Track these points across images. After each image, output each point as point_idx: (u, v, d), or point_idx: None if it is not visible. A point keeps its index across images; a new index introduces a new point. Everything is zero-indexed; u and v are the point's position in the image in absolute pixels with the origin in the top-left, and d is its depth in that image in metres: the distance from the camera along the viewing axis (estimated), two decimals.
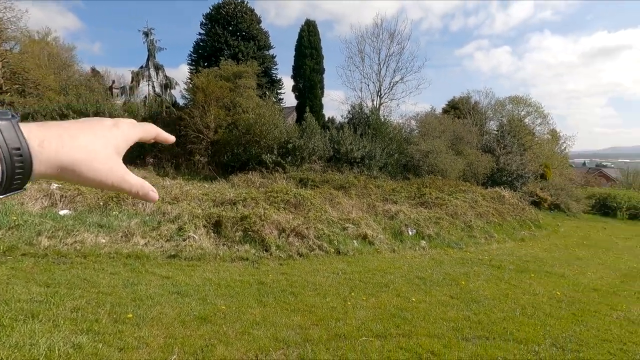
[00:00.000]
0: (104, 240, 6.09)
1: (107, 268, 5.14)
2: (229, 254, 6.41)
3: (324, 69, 22.79)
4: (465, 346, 3.68)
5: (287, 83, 33.13)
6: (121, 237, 6.31)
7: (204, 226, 7.01)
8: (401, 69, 23.46)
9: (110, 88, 23.67)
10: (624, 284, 6.71)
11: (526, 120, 24.35)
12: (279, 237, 7.12)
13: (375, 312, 4.44)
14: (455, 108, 24.77)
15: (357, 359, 3.28)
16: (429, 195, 11.81)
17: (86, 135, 0.43)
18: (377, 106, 22.80)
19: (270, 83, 25.40)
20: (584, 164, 58.00)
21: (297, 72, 22.46)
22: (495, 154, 19.16)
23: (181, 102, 22.00)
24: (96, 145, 0.44)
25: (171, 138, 0.56)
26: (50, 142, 0.40)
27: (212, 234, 6.95)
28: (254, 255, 6.48)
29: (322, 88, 22.71)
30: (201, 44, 25.23)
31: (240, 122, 15.65)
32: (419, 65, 26.74)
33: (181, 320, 3.77)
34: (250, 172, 14.01)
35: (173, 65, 79.91)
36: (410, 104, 61.73)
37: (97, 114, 16.11)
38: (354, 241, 7.73)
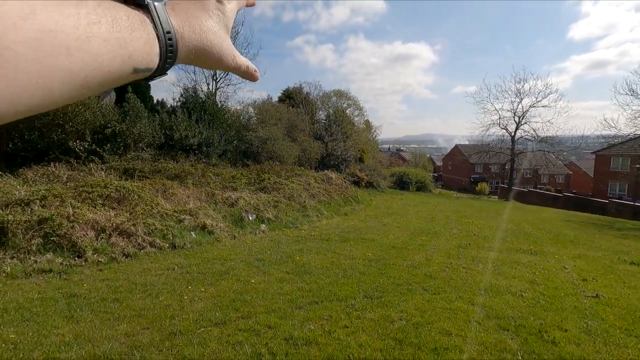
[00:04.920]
0: None
1: None
2: (21, 269, 5.03)
3: None
4: (298, 314, 4.08)
5: None
6: None
7: None
8: None
9: None
10: (412, 240, 8.80)
11: (347, 111, 28.24)
12: (97, 239, 6.05)
13: (215, 301, 4.38)
14: (289, 97, 26.34)
15: (195, 352, 3.17)
16: (267, 181, 12.29)
17: (206, 17, 0.44)
18: (214, 91, 21.90)
19: None
20: (389, 149, 72.27)
21: None
22: (324, 141, 21.56)
23: None
24: (215, 27, 0.45)
25: None
26: (186, 28, 0.41)
27: None
28: (62, 264, 5.30)
29: None
30: None
31: None
32: (254, 52, 26.94)
33: None
34: (52, 163, 11.18)
35: None
36: (247, 91, 62.17)
37: None
38: (192, 233, 7.34)
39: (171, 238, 6.82)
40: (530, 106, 32.85)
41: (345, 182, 16.61)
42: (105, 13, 0.34)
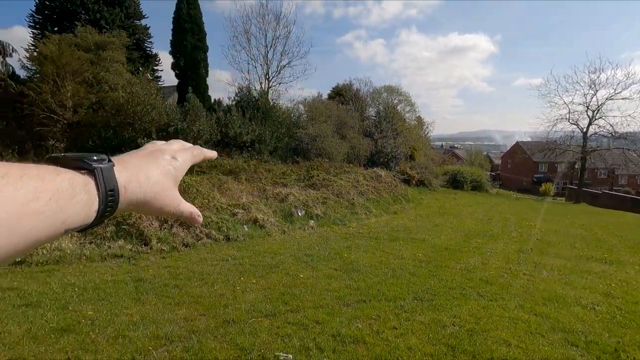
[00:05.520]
0: None
1: None
2: (98, 253, 5.62)
3: (207, 47, 21.26)
4: (345, 311, 4.07)
5: (166, 60, 29.93)
6: None
7: None
8: (288, 53, 23.62)
9: None
10: (465, 242, 8.35)
11: (398, 107, 27.53)
12: (161, 229, 6.55)
13: (265, 293, 4.52)
14: (339, 94, 26.32)
15: (246, 341, 3.30)
16: (316, 177, 12.42)
17: (155, 171, 0.48)
18: (266, 89, 22.60)
19: (144, 58, 22.57)
20: (442, 146, 69.30)
21: (177, 48, 20.41)
22: (374, 138, 21.24)
23: (22, 74, 17.72)
24: (162, 180, 0.49)
25: (213, 154, 0.63)
26: (132, 183, 0.44)
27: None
28: (131, 250, 5.83)
29: (206, 67, 21.22)
30: (47, 3, 20.61)
31: (108, 101, 13.52)
32: (305, 50, 27.33)
33: (32, 336, 3.17)
34: None
35: (0, 26, 62.81)
36: (298, 89, 63.25)
37: None
38: (244, 226, 7.65)
39: (225, 230, 7.17)
40: (607, 99, 29.31)
41: (394, 180, 16.24)
42: (46, 186, 0.36)
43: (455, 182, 25.37)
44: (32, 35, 20.23)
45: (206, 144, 14.28)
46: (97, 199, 0.40)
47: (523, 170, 50.30)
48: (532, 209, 17.92)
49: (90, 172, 0.41)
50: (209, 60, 21.41)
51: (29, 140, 13.67)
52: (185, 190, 8.24)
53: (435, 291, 4.85)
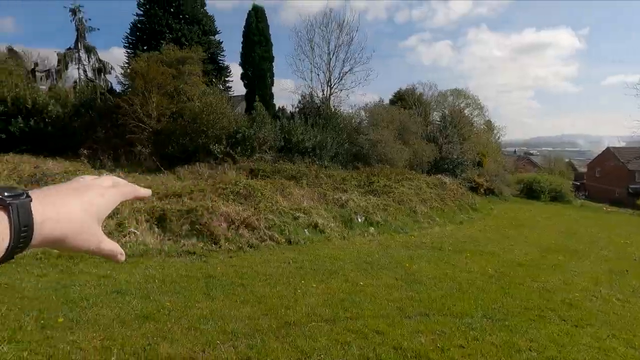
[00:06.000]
0: None
1: (33, 270, 4.68)
2: (174, 249, 6.15)
3: (273, 57, 22.33)
4: (407, 323, 3.92)
5: (235, 70, 32.00)
6: None
7: (147, 221, 6.63)
8: (350, 60, 23.70)
9: (33, 71, 21.12)
10: (543, 258, 7.54)
11: (465, 111, 26.04)
12: (229, 230, 6.97)
13: (325, 298, 4.55)
14: (401, 99, 25.71)
15: (306, 344, 3.35)
16: (377, 184, 12.24)
17: (77, 208, 0.47)
18: (328, 96, 22.94)
19: (217, 70, 24.34)
20: (515, 152, 63.72)
21: (246, 60, 21.77)
22: (438, 143, 20.33)
23: (118, 88, 20.31)
24: (85, 217, 0.47)
25: (148, 192, 0.60)
26: (50, 220, 0.43)
27: (156, 228, 6.61)
28: (202, 248, 6.28)
29: (272, 77, 22.28)
30: (139, 25, 23.35)
31: (186, 110, 14.88)
32: (367, 56, 27.15)
33: (121, 320, 3.57)
34: (197, 163, 13.45)
35: (103, 48, 72.90)
36: (360, 95, 63.14)
37: (16, 99, 14.36)
38: (305, 230, 7.80)
39: (287, 234, 7.39)
40: None
41: (460, 187, 15.34)
42: None
43: (530, 192, 23.15)
44: (126, 54, 23.09)
45: (270, 150, 14.94)
46: (9, 236, 0.40)
47: (615, 179, 44.02)
48: (627, 224, 15.59)
49: (4, 207, 0.40)
50: (274, 70, 22.42)
51: (121, 147, 15.55)
52: (250, 193, 8.68)
53: (508, 310, 4.44)
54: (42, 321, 3.38)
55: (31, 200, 0.42)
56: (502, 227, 11.34)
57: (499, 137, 28.05)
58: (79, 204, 0.47)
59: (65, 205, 0.46)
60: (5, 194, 0.41)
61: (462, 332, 3.76)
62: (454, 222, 11.29)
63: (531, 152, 66.56)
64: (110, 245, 0.52)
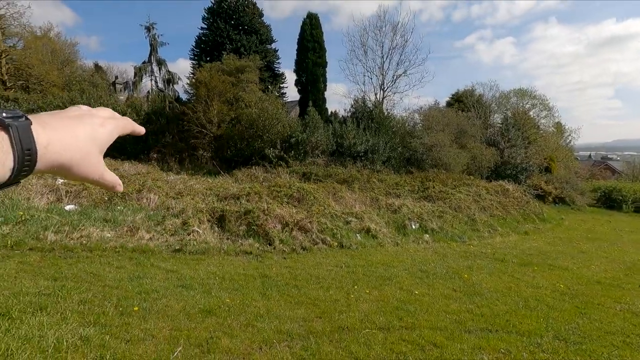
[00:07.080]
0: (109, 235, 6.16)
1: (113, 262, 5.20)
2: (232, 248, 6.46)
3: (326, 63, 22.66)
4: (467, 338, 3.70)
5: (290, 77, 32.99)
6: (126, 231, 6.37)
7: (208, 220, 7.05)
8: (404, 62, 23.23)
9: (114, 83, 23.72)
10: (628, 277, 6.69)
11: (531, 113, 24.12)
12: (283, 231, 7.15)
13: (379, 304, 4.47)
14: (459, 101, 24.58)
15: (360, 351, 3.31)
16: (432, 189, 11.79)
17: (81, 136, 0.47)
18: (380, 100, 22.67)
19: (273, 77, 25.31)
20: (590, 156, 57.44)
21: (300, 66, 22.36)
22: (499, 147, 19.05)
23: (184, 97, 22.04)
24: (88, 146, 0.47)
25: (141, 129, 0.60)
26: (54, 145, 0.43)
27: (216, 228, 7.00)
28: (258, 249, 6.52)
29: (324, 82, 22.60)
30: (203, 38, 25.14)
31: (243, 116, 15.65)
32: (423, 58, 26.39)
33: (186, 313, 3.82)
34: (253, 166, 14.05)
35: (171, 60, 79.54)
36: (414, 97, 61.39)
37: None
38: (357, 235, 7.75)
39: (339, 237, 7.39)
40: None
41: (525, 195, 14.18)
42: None
43: (609, 201, 20.70)
44: (191, 65, 24.97)
45: (322, 154, 15.10)
46: (12, 157, 0.39)
47: None
48: None
49: (4, 127, 0.39)
50: (327, 75, 22.71)
51: (186, 151, 16.79)
52: (303, 197, 8.85)
53: (585, 333, 4.00)
54: (121, 308, 3.75)
55: (31, 123, 0.41)
56: (576, 240, 10.27)
57: (570, 141, 25.56)
58: (82, 132, 0.47)
59: (69, 132, 0.45)
60: (4, 114, 0.40)
61: (530, 353, 3.46)
62: (517, 232, 10.47)
63: (610, 156, 59.52)
64: (111, 176, 0.52)
